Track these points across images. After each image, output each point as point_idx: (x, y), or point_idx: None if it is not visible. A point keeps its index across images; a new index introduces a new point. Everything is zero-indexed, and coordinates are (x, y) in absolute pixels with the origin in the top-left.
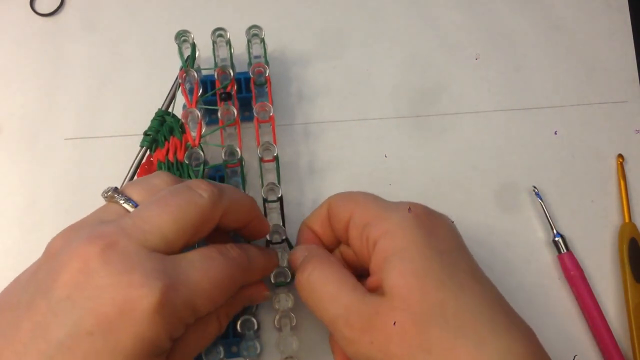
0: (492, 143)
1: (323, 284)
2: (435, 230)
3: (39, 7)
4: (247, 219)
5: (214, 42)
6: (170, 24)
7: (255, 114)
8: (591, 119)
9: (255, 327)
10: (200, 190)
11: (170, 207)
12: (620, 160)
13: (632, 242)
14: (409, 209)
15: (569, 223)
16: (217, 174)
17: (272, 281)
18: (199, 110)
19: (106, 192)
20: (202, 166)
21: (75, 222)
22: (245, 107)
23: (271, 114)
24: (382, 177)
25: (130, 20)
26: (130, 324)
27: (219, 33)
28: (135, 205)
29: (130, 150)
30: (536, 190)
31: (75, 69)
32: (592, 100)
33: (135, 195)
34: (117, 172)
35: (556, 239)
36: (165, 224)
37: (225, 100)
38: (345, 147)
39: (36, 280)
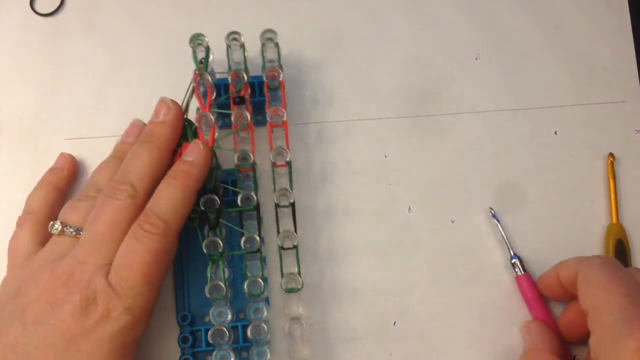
0: (492, 143)
1: None
2: None
3: (39, 7)
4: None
5: (228, 46)
6: (171, 24)
7: (268, 118)
8: (591, 119)
9: (266, 333)
10: (146, 235)
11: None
12: (611, 159)
13: (619, 244)
14: None
15: (569, 223)
16: (230, 178)
17: (283, 287)
18: (212, 114)
19: (54, 227)
20: (215, 171)
21: (31, 259)
22: (258, 111)
23: (284, 119)
24: (382, 177)
25: (130, 20)
26: (93, 339)
27: (233, 37)
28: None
29: None
30: (493, 211)
31: (75, 69)
32: (592, 100)
33: (79, 221)
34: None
35: (513, 261)
36: (110, 245)
37: (238, 105)
38: (345, 147)
39: (4, 314)
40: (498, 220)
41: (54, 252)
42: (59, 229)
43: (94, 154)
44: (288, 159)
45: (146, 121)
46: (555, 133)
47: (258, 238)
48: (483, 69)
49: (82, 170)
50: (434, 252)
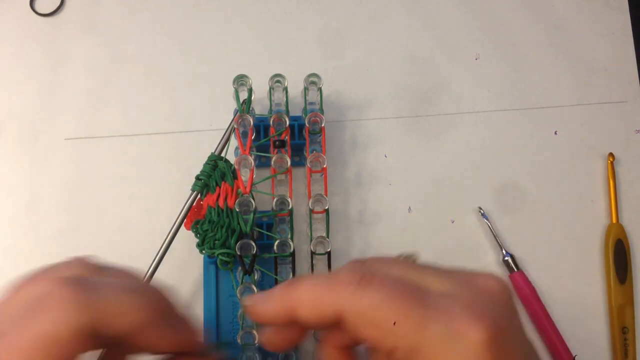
0: (492, 143)
1: None
2: None
3: (39, 7)
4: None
5: (271, 88)
6: (170, 24)
7: (308, 163)
8: (591, 119)
9: None
10: (56, 312)
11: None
12: (611, 159)
13: (619, 243)
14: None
15: (569, 223)
16: (265, 222)
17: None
18: (252, 156)
19: None
20: (252, 214)
21: None
22: (296, 152)
23: (324, 166)
24: (382, 177)
25: (130, 20)
26: None
27: (277, 79)
28: None
29: (130, 150)
30: (482, 211)
31: (75, 69)
32: (592, 100)
33: None
34: (116, 172)
35: (506, 259)
36: None
37: (279, 148)
38: (345, 147)
39: None
40: (488, 220)
41: None
42: None
43: (94, 154)
44: (327, 207)
45: (148, 120)
46: (555, 133)
47: None
48: (483, 69)
49: (83, 171)
50: (435, 252)
